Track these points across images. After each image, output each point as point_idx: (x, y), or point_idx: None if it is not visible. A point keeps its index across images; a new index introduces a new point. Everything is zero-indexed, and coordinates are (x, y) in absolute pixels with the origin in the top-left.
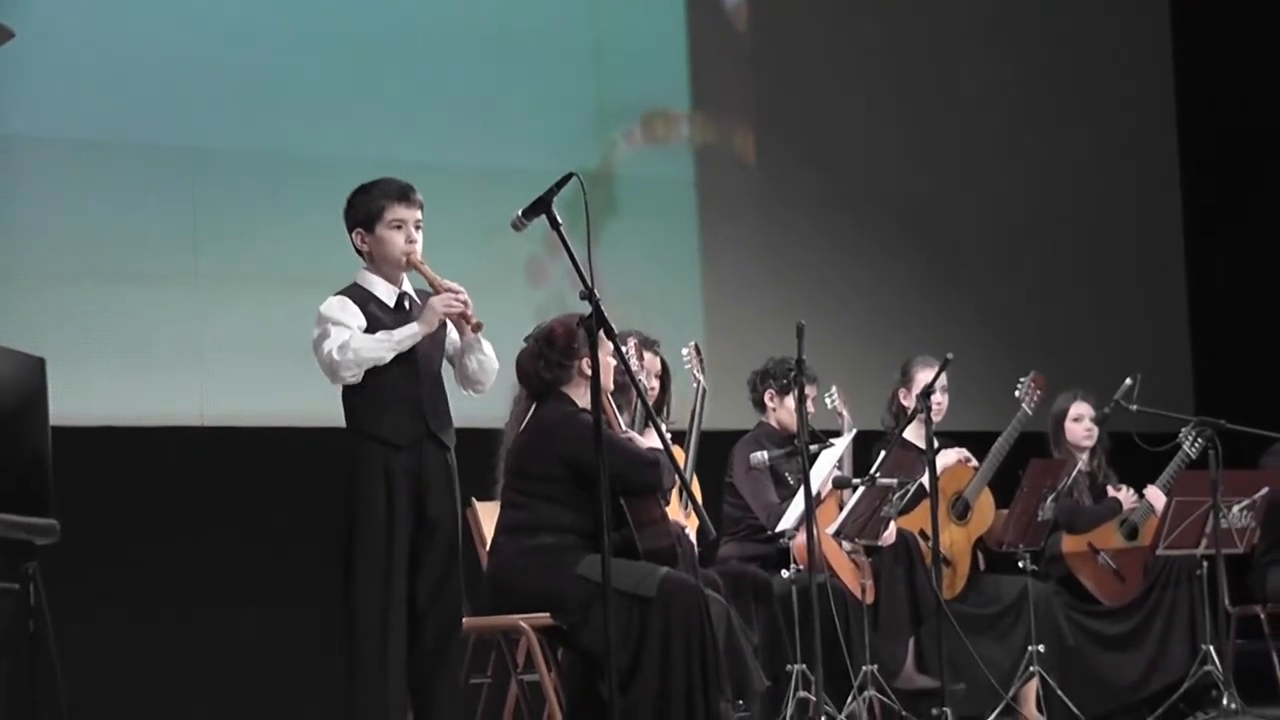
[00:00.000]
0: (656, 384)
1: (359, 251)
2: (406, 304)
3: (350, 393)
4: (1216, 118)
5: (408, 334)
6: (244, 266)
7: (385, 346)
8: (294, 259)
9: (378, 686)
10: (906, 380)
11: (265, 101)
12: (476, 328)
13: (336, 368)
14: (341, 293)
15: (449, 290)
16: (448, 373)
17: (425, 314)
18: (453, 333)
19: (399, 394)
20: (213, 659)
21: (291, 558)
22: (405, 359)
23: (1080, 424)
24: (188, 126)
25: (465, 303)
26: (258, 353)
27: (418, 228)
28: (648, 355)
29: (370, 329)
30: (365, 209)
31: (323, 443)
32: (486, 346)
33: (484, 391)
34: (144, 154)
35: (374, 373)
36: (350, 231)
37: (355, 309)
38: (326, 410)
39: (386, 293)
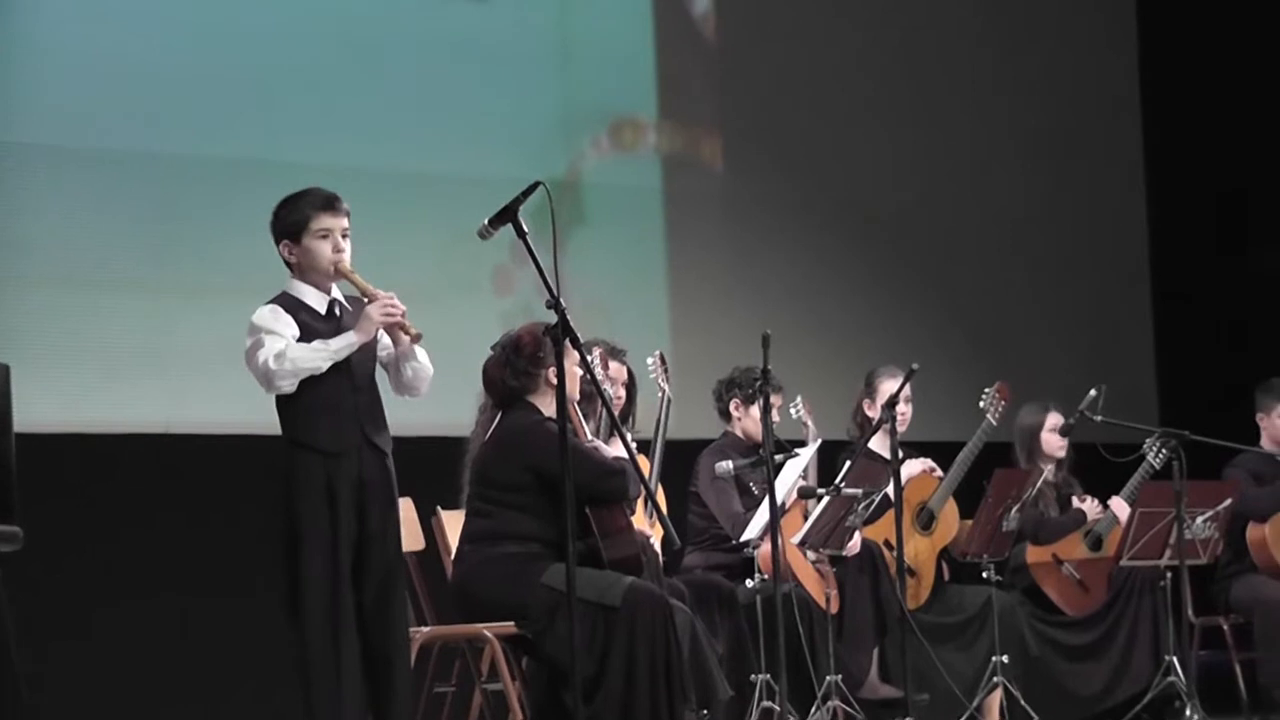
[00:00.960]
0: (624, 393)
1: (287, 263)
2: (338, 311)
3: (285, 402)
4: (1182, 131)
5: (344, 344)
6: (211, 274)
7: (322, 356)
8: (260, 267)
9: (333, 698)
10: (871, 390)
11: (231, 109)
12: (415, 338)
13: (273, 377)
14: (272, 302)
15: (383, 299)
16: (382, 379)
17: (362, 323)
18: (384, 338)
19: (334, 402)
20: (179, 667)
21: (259, 565)
22: (340, 367)
23: (1056, 434)
24: (155, 134)
25: (401, 311)
26: (224, 361)
27: (345, 236)
28: (614, 364)
29: (303, 337)
30: (291, 220)
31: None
32: (421, 354)
33: (419, 397)
34: (110, 161)
35: (308, 381)
36: (277, 244)
37: (288, 318)
38: None
39: (317, 300)
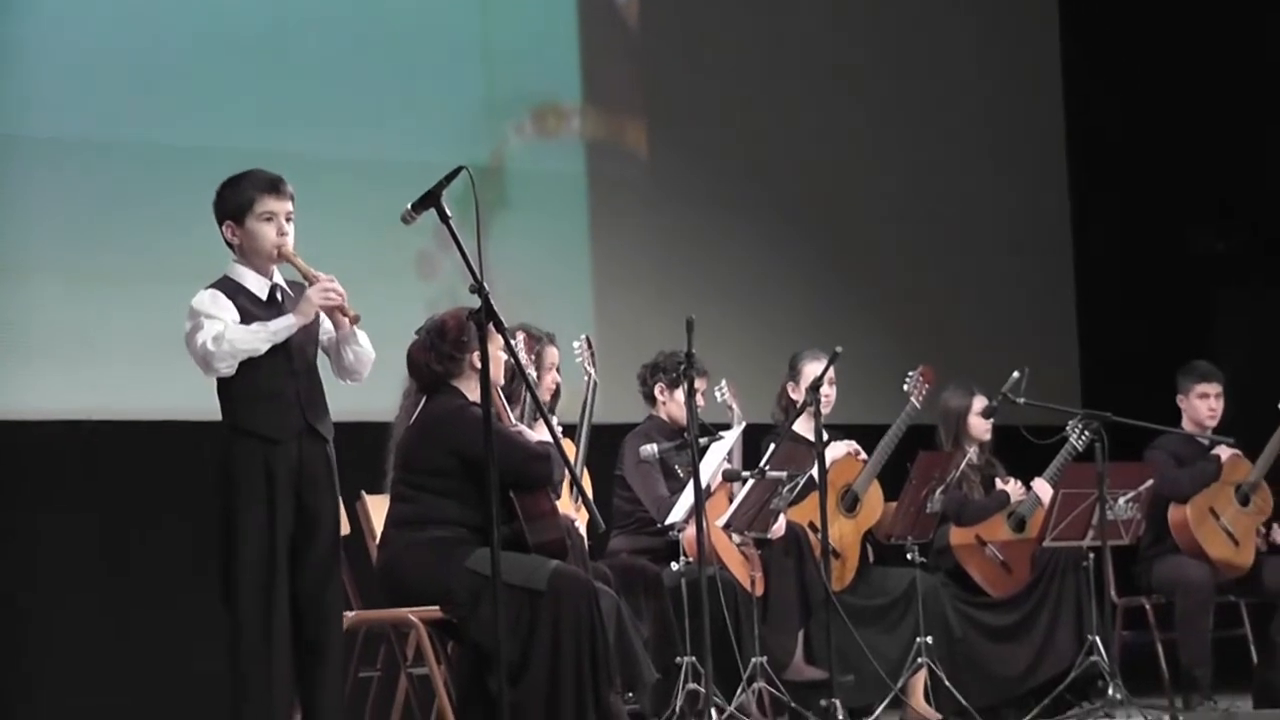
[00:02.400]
0: (559, 377)
1: (229, 244)
2: (279, 296)
3: (226, 387)
4: (1101, 116)
5: (283, 325)
6: (134, 260)
7: (261, 337)
8: (184, 253)
9: (263, 686)
10: (795, 373)
11: (152, 93)
12: (354, 320)
13: (211, 358)
14: (212, 286)
15: (323, 282)
16: (323, 364)
17: (301, 305)
18: (326, 323)
19: (275, 387)
20: (99, 659)
21: (192, 551)
22: (280, 351)
23: (982, 417)
24: (82, 121)
25: (341, 294)
26: (160, 347)
27: (289, 220)
28: (551, 349)
29: (243, 322)
30: (235, 201)
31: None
32: (362, 337)
33: (361, 381)
34: (41, 148)
35: (249, 366)
36: (220, 224)
37: (227, 302)
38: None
39: (258, 285)
